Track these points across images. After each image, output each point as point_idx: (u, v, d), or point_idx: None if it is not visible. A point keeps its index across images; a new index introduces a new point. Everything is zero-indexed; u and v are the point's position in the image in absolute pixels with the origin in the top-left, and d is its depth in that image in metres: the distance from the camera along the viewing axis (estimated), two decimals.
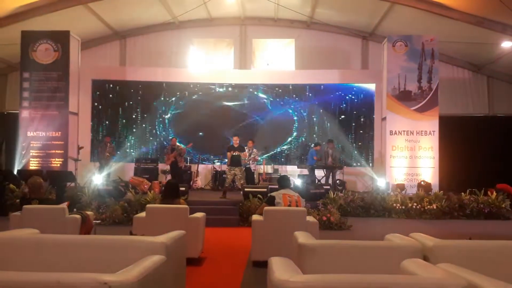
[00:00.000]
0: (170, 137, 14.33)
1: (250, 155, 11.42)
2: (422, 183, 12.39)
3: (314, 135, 15.24)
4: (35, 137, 13.09)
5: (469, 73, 15.95)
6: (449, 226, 9.41)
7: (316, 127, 15.31)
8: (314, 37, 16.05)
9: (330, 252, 3.18)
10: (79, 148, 13.46)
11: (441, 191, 11.33)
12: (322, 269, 2.89)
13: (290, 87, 15.34)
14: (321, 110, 15.25)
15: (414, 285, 2.09)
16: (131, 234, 4.58)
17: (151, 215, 5.90)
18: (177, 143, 13.57)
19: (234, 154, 10.95)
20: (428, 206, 10.48)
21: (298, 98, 15.36)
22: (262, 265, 5.06)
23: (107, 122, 15.31)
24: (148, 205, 6.16)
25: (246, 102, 15.39)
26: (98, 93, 15.27)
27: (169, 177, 12.87)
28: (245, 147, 11.43)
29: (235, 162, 10.96)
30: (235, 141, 11.37)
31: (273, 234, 5.58)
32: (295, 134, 15.34)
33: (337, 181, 12.98)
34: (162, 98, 15.38)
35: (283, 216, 5.74)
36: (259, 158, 12.24)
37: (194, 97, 15.41)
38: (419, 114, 13.24)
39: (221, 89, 15.40)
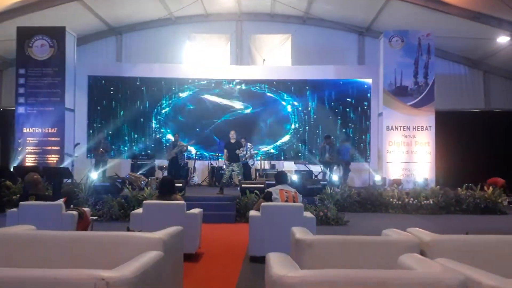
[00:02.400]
0: (168, 133, 14.21)
1: (246, 152, 11.43)
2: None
3: (310, 131, 15.21)
4: (31, 133, 13.07)
5: (465, 68, 15.97)
6: (445, 221, 9.44)
7: (312, 123, 15.27)
8: (310, 33, 16.03)
9: (327, 247, 3.18)
10: (76, 144, 13.42)
11: (438, 186, 11.36)
12: (320, 264, 2.90)
13: (287, 82, 15.30)
14: (318, 106, 15.22)
15: (411, 280, 2.08)
16: (128, 230, 4.57)
17: (148, 211, 5.88)
18: (180, 140, 13.41)
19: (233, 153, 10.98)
20: (425, 201, 10.51)
21: (294, 93, 15.33)
22: (259, 260, 5.08)
23: (103, 118, 15.22)
24: (145, 201, 6.14)
25: (242, 97, 15.34)
26: (94, 89, 15.18)
27: (165, 173, 12.84)
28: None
29: (233, 157, 10.98)
30: (232, 135, 11.36)
31: (271, 230, 5.58)
32: (291, 129, 15.31)
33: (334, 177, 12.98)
34: (158, 94, 15.31)
35: (280, 212, 5.73)
36: (255, 152, 12.22)
37: (190, 93, 15.36)
38: (416, 109, 13.28)
39: (217, 85, 15.34)
